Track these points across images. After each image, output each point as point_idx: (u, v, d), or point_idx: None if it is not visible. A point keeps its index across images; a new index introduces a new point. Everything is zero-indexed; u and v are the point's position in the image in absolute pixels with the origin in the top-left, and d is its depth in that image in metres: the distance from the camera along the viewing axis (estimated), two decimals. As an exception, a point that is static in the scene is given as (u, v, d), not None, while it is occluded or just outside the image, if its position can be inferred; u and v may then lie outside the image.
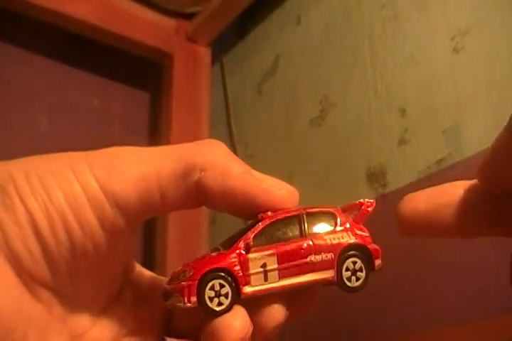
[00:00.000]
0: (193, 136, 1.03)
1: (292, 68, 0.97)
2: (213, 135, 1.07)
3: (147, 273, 0.30)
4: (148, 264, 0.97)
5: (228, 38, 1.14)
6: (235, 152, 1.00)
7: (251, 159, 1.00)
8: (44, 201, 0.23)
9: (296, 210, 0.26)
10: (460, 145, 0.67)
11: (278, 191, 0.26)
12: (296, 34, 0.97)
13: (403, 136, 0.74)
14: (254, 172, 0.26)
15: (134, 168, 0.24)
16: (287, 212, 0.26)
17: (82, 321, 0.26)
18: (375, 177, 0.76)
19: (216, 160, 0.25)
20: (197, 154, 0.25)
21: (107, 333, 0.26)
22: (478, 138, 0.65)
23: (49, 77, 1.06)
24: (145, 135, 1.15)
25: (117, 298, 0.27)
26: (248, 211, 0.26)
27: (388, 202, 0.73)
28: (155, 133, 1.13)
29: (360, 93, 0.82)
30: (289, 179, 0.90)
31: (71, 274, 0.24)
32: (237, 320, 0.24)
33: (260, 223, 0.26)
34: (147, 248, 1.02)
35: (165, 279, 0.29)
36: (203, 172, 0.25)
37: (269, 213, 0.26)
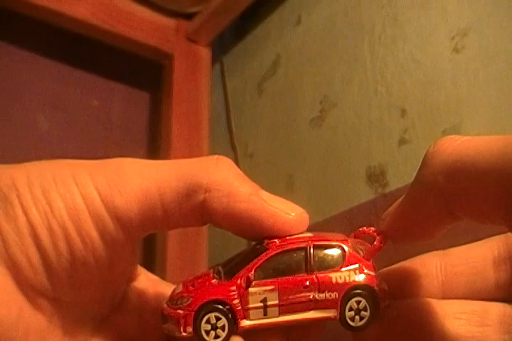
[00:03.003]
0: (193, 136, 1.03)
1: (292, 68, 0.97)
2: (213, 135, 1.07)
3: (152, 279, 0.30)
4: (148, 265, 0.97)
5: (228, 38, 1.14)
6: (235, 152, 1.00)
7: (251, 159, 1.00)
8: (46, 212, 0.23)
9: (304, 241, 0.25)
10: (460, 145, 0.67)
11: (286, 215, 0.24)
12: (296, 34, 0.97)
13: (403, 136, 0.74)
14: (263, 194, 0.25)
15: (137, 183, 0.24)
16: (294, 243, 0.25)
17: (83, 330, 0.25)
18: (375, 177, 0.76)
19: (222, 181, 0.24)
20: (202, 173, 0.24)
21: None
22: (478, 138, 0.65)
23: (49, 77, 1.06)
24: (145, 135, 1.15)
25: (120, 306, 0.27)
26: (254, 234, 0.25)
27: (388, 202, 0.73)
28: (155, 134, 1.12)
29: (360, 93, 0.82)
30: (289, 179, 0.90)
31: (71, 284, 0.24)
32: None
33: (264, 254, 0.24)
34: (147, 248, 1.02)
35: (170, 286, 0.28)
36: (207, 193, 0.24)
37: (276, 241, 0.25)
